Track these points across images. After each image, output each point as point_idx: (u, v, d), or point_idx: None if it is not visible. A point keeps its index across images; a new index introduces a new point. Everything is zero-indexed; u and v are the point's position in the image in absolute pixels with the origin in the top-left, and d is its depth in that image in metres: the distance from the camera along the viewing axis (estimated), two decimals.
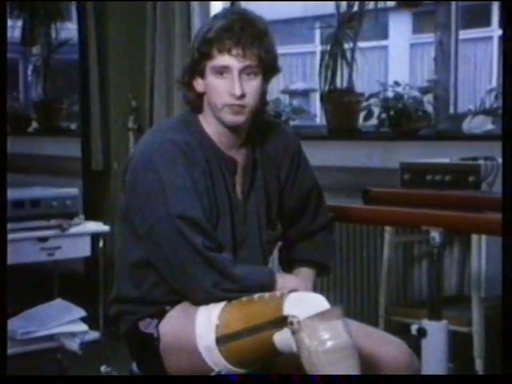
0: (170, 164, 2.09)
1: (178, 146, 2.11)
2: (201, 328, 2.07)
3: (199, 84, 2.16)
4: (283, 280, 2.17)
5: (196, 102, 2.19)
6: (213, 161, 2.16)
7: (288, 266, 2.37)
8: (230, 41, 2.08)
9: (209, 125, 2.18)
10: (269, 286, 2.11)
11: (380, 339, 2.22)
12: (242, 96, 2.10)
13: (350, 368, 1.92)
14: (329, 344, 1.91)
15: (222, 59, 2.09)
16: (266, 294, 2.07)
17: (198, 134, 2.17)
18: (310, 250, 2.36)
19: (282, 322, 1.95)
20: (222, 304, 2.07)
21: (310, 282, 2.31)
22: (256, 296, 2.07)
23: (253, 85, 2.12)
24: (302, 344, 1.92)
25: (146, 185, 2.09)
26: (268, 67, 2.15)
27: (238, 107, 2.12)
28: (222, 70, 2.10)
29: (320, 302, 1.97)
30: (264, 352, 2.03)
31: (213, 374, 2.06)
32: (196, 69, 2.15)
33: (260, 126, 2.25)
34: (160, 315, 2.15)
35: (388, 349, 2.18)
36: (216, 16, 2.17)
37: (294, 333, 1.93)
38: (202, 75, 2.14)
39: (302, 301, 1.98)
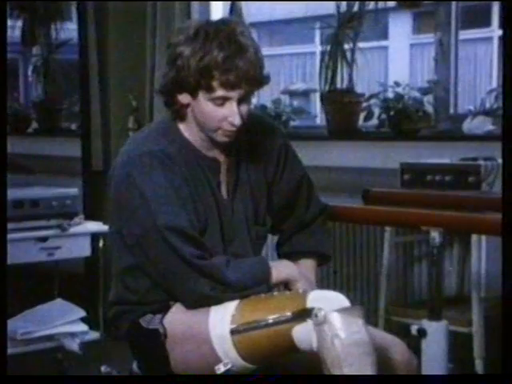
0: (149, 176, 2.09)
1: (155, 156, 2.10)
2: (215, 317, 2.07)
3: (186, 98, 2.13)
4: (276, 270, 2.18)
5: (180, 112, 2.16)
6: (194, 165, 2.16)
7: (287, 259, 2.36)
8: (233, 77, 2.04)
9: (190, 132, 2.18)
10: (264, 279, 2.14)
11: (378, 335, 2.23)
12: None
13: (367, 365, 1.96)
14: (352, 338, 1.95)
15: (223, 92, 2.06)
16: (287, 291, 2.16)
17: (176, 141, 2.16)
18: (307, 241, 2.36)
19: (305, 314, 1.98)
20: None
21: (313, 273, 2.33)
22: (276, 292, 2.14)
23: (246, 108, 2.12)
24: (326, 336, 1.95)
25: (128, 199, 2.10)
26: (259, 87, 2.14)
27: (232, 132, 2.12)
28: (220, 101, 2.08)
29: (342, 300, 2.02)
30: (279, 346, 2.03)
31: (220, 366, 2.05)
32: (186, 88, 2.10)
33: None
34: (163, 310, 2.15)
35: (387, 346, 2.19)
36: (207, 35, 2.06)
37: (318, 324, 1.95)
38: (194, 95, 2.10)
39: (325, 297, 2.02)
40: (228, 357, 2.05)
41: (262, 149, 2.28)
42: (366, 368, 1.96)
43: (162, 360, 2.13)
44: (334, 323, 1.95)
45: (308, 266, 2.34)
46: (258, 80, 2.10)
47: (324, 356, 1.96)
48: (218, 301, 2.08)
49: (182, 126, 2.19)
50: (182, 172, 2.13)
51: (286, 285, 2.21)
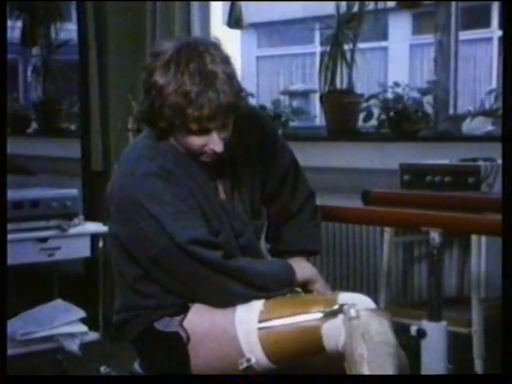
0: (155, 196, 2.06)
1: (155, 175, 2.08)
2: (242, 313, 2.09)
3: (165, 124, 2.09)
4: (300, 270, 2.22)
5: (163, 133, 2.12)
6: (191, 174, 2.15)
7: (278, 256, 2.38)
8: (206, 111, 2.00)
9: (179, 142, 2.14)
10: (290, 279, 2.19)
11: None
12: None
13: (390, 367, 1.99)
14: (381, 337, 2.00)
15: (200, 127, 2.04)
16: (314, 292, 2.23)
17: (169, 153, 2.14)
18: (298, 239, 2.37)
19: (337, 310, 2.02)
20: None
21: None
22: (302, 294, 2.22)
23: (227, 133, 2.10)
24: (356, 330, 1.99)
25: (138, 221, 2.07)
26: (237, 113, 2.10)
27: (216, 155, 2.11)
28: (200, 133, 2.06)
29: (369, 303, 2.09)
30: (305, 344, 2.05)
31: (243, 361, 2.06)
32: (163, 120, 2.06)
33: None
34: (182, 312, 2.14)
35: None
36: (178, 66, 2.00)
37: (349, 319, 2.00)
38: (171, 127, 2.08)
39: (355, 298, 2.08)
40: (252, 353, 2.06)
41: (254, 141, 2.26)
42: (389, 369, 1.99)
43: (181, 362, 2.12)
44: (365, 320, 2.00)
45: (304, 263, 2.34)
46: (233, 107, 2.05)
47: (350, 351, 1.99)
48: (248, 299, 2.10)
49: (170, 138, 2.16)
50: (184, 182, 2.12)
51: (304, 286, 2.25)
